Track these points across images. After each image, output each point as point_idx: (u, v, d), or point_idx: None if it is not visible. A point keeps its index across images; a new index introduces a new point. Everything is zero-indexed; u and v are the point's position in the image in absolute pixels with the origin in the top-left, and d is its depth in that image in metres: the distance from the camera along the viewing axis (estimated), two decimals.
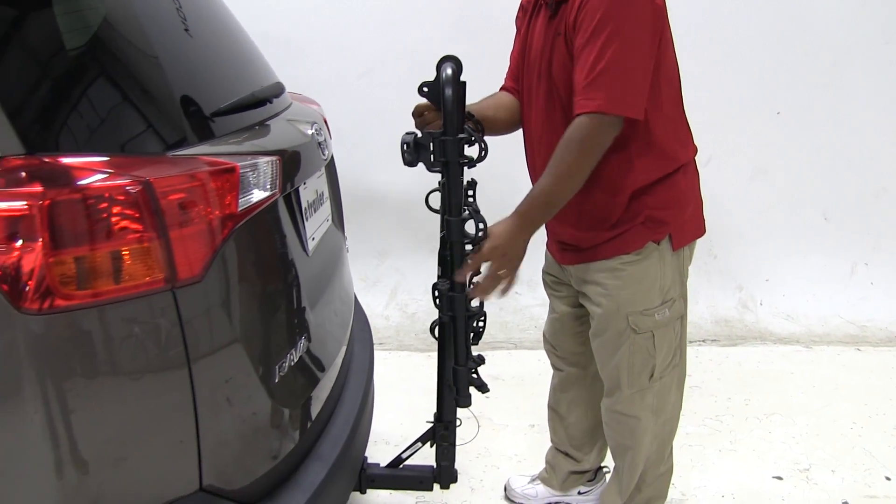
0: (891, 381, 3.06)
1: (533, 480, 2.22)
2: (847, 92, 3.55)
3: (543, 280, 2.04)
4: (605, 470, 2.20)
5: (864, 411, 2.79)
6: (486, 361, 1.70)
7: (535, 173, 1.81)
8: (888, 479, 2.37)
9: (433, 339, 1.77)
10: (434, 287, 1.65)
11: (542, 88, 1.70)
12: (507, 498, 2.23)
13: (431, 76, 1.61)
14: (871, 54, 3.52)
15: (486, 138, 1.67)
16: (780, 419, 2.73)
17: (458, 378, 1.67)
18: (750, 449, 2.53)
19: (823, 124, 3.58)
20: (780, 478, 2.37)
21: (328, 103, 2.17)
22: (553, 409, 2.15)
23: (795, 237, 3.66)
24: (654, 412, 1.84)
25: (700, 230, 1.83)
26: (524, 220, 1.61)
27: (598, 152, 1.57)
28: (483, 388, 1.68)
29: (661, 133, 1.67)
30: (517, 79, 1.84)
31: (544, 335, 2.11)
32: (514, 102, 1.86)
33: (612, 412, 1.88)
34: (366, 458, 1.87)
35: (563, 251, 1.84)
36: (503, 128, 1.85)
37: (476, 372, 1.69)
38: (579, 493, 2.18)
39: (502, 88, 1.92)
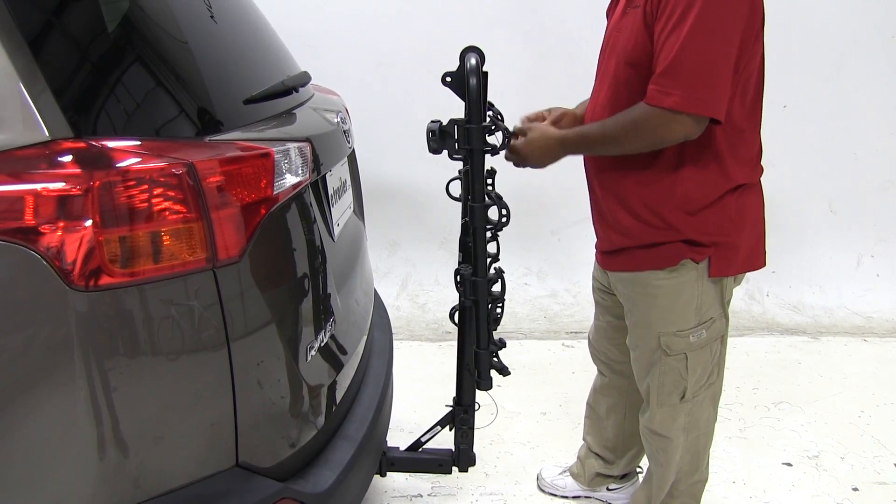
0: None
1: (563, 472, 2.23)
2: (853, 85, 3.57)
3: (592, 286, 2.00)
4: (638, 471, 2.20)
5: (871, 400, 2.83)
6: (506, 345, 1.73)
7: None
8: None
9: (444, 330, 1.80)
10: (456, 272, 1.68)
11: (610, 65, 1.62)
12: (539, 487, 2.25)
13: (444, 70, 1.61)
14: (878, 48, 3.55)
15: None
16: (789, 407, 2.76)
17: (479, 361, 1.71)
18: (759, 436, 2.57)
19: (830, 117, 3.61)
20: (789, 464, 2.40)
21: (342, 96, 2.20)
22: (591, 407, 2.13)
23: (802, 229, 3.70)
24: (686, 430, 1.78)
25: (755, 262, 1.67)
26: (562, 139, 1.63)
27: (657, 145, 1.50)
28: (504, 370, 1.71)
29: (724, 145, 1.54)
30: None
31: (589, 339, 2.09)
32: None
33: (646, 429, 1.84)
34: (385, 442, 1.90)
35: (604, 255, 1.79)
36: None
37: (497, 355, 1.72)
38: (608, 489, 2.18)
39: None
